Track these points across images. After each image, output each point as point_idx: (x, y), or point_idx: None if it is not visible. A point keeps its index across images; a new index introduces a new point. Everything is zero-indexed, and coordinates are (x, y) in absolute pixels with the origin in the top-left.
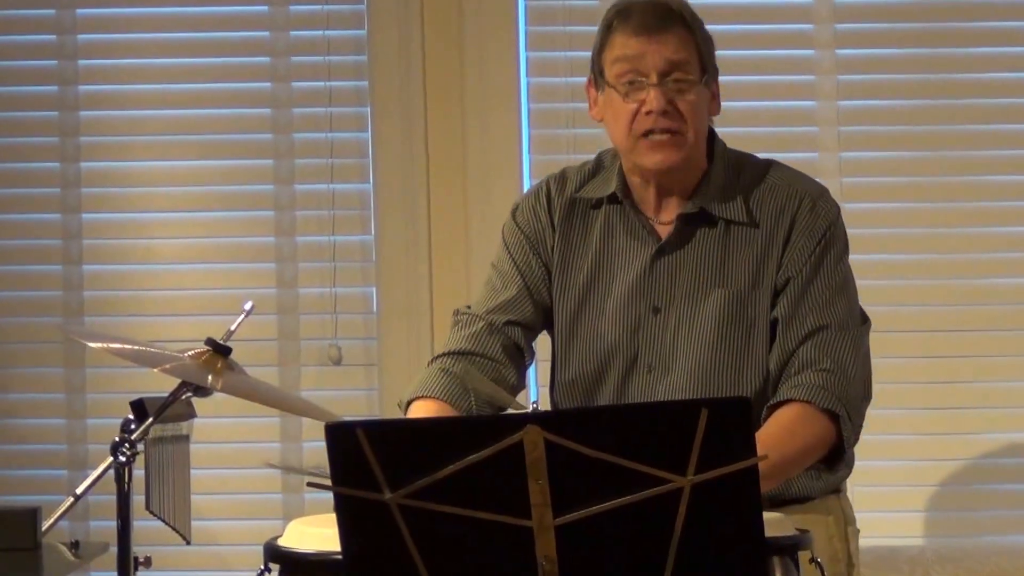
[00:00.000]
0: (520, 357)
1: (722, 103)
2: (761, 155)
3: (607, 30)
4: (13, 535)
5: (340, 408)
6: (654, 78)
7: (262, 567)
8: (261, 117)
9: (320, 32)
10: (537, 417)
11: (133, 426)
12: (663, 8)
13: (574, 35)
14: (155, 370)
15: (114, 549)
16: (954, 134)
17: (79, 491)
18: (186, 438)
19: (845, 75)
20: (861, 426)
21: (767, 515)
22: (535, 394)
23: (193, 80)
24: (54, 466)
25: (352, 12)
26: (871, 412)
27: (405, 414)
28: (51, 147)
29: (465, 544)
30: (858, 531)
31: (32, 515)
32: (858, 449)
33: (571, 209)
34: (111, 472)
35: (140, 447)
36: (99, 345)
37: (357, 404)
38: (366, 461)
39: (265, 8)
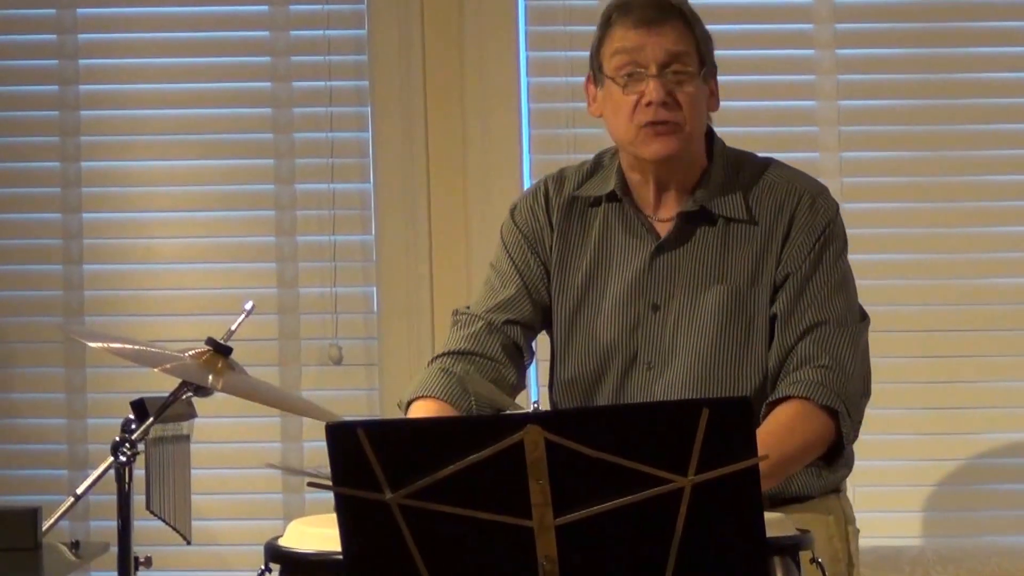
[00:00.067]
0: (519, 357)
1: (723, 103)
2: (761, 155)
3: (606, 24)
4: (13, 535)
5: (341, 408)
6: (653, 69)
7: (262, 567)
8: (261, 117)
9: (320, 32)
10: (538, 417)
11: (134, 426)
12: (662, 2)
13: (574, 35)
14: (156, 370)
15: (114, 549)
16: (954, 134)
17: (79, 491)
18: (187, 438)
19: (845, 75)
20: (860, 423)
21: (768, 515)
22: (536, 394)
23: (193, 80)
24: (54, 466)
25: (352, 12)
26: (872, 412)
27: (405, 414)
28: (51, 147)
29: (466, 544)
30: (858, 531)
31: (32, 515)
32: (859, 449)
33: (569, 208)
34: (111, 472)
35: (141, 447)
36: (99, 345)
37: (358, 404)
38: (367, 461)
39: (265, 8)
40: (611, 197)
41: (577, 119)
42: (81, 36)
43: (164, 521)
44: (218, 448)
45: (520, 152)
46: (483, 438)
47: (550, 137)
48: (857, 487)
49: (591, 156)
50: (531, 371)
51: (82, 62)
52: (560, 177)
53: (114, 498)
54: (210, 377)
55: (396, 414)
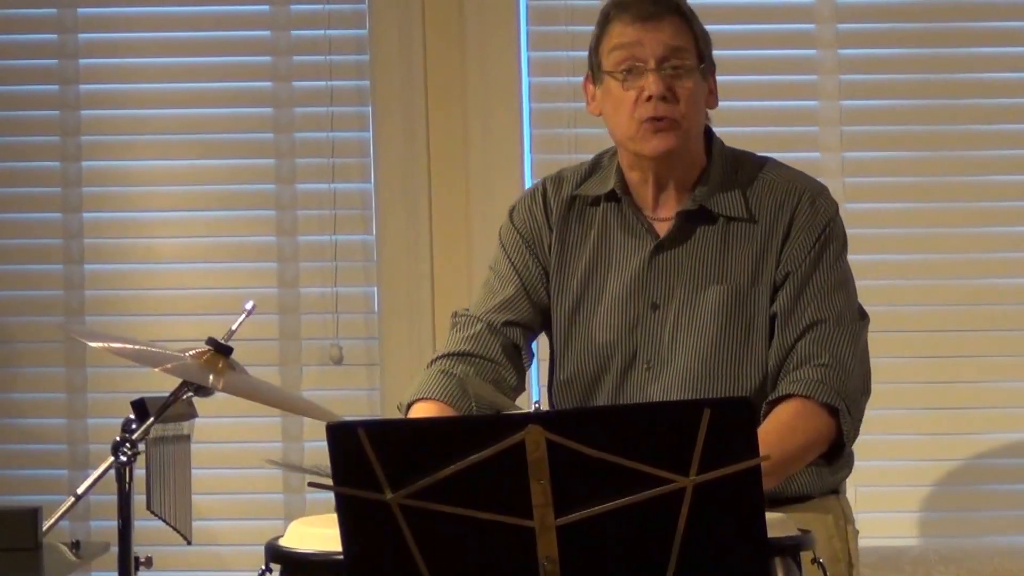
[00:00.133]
0: (519, 358)
1: (725, 103)
2: (761, 155)
3: (604, 21)
4: (14, 535)
5: (341, 408)
6: (652, 64)
7: (263, 567)
8: (262, 116)
9: (321, 31)
10: (539, 417)
11: (134, 426)
12: None
13: (575, 35)
14: (156, 370)
15: (115, 549)
16: (956, 134)
17: (80, 491)
18: (187, 438)
19: (847, 75)
20: (861, 421)
21: (769, 515)
22: (537, 394)
23: (194, 79)
24: (55, 466)
25: (353, 11)
26: (873, 412)
27: (405, 417)
28: (52, 146)
29: (466, 544)
30: (857, 531)
31: (33, 515)
32: (860, 449)
33: (568, 209)
34: (112, 472)
35: (141, 447)
36: (100, 344)
37: (358, 404)
38: (367, 461)
39: (266, 7)
40: (610, 197)
41: (578, 119)
42: (82, 36)
43: (164, 521)
44: (219, 448)
45: (521, 152)
46: (484, 438)
47: (551, 137)
48: (858, 487)
49: (592, 156)
50: (532, 371)
51: (83, 61)
52: (559, 178)
53: (115, 498)
54: (211, 377)
55: (397, 415)
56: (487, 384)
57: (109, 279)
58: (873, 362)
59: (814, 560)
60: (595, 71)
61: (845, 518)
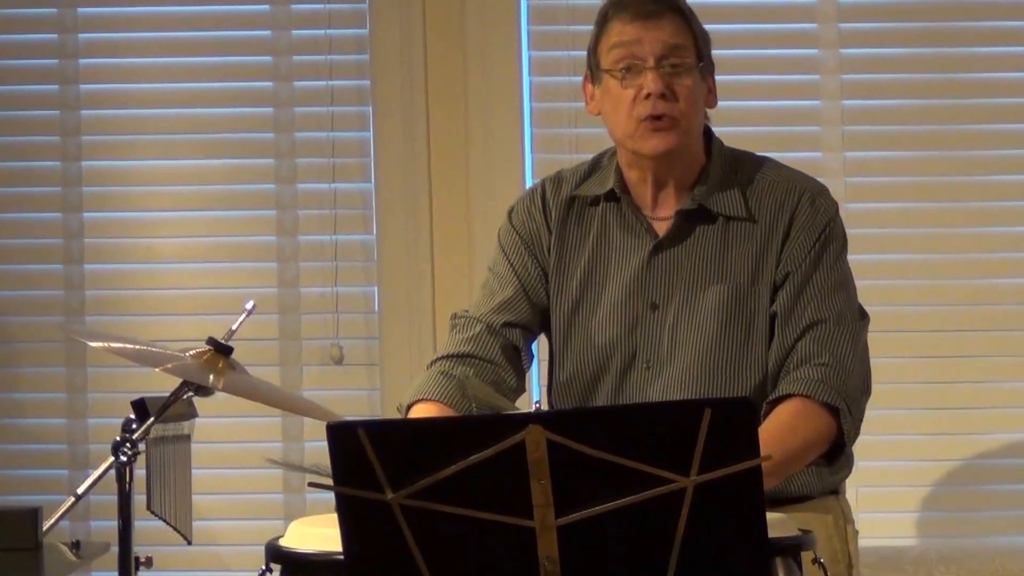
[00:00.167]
0: (519, 359)
1: (727, 102)
2: (762, 155)
3: (603, 20)
4: (14, 535)
5: (342, 408)
6: (651, 62)
7: (263, 567)
8: (263, 116)
9: (322, 31)
10: (539, 417)
11: (134, 426)
12: None
13: (576, 34)
14: (156, 369)
15: (115, 549)
16: (958, 134)
17: (80, 491)
18: (187, 438)
19: (849, 75)
20: (861, 420)
21: (770, 515)
22: (537, 394)
23: (194, 79)
24: (55, 466)
25: (354, 11)
26: (874, 412)
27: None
28: (52, 146)
29: (467, 544)
30: (857, 532)
31: (33, 515)
32: (861, 449)
33: (567, 209)
34: (112, 472)
35: (141, 447)
36: (100, 344)
37: (359, 404)
38: (368, 461)
39: (267, 7)
40: (609, 196)
41: (579, 119)
42: (82, 35)
43: (165, 521)
44: (219, 448)
45: (522, 151)
46: (484, 438)
47: (552, 136)
48: (859, 487)
49: (593, 155)
50: (533, 372)
51: (83, 61)
52: (558, 178)
53: (115, 498)
54: (211, 377)
55: (397, 415)
56: (486, 386)
57: (109, 279)
58: (874, 362)
59: (815, 560)
60: (594, 70)
61: (845, 518)
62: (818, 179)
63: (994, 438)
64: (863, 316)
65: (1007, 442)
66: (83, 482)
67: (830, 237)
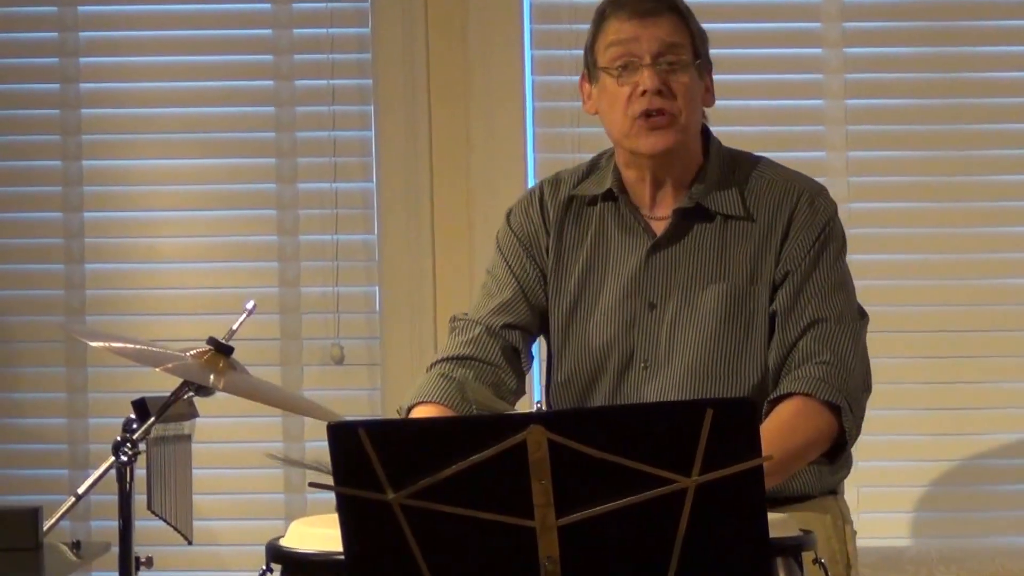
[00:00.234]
0: (518, 361)
1: (731, 102)
2: (768, 154)
3: (600, 19)
4: (14, 535)
5: (342, 408)
6: (647, 59)
7: (264, 567)
8: (264, 115)
9: (324, 30)
10: (540, 417)
11: (135, 425)
12: None
13: (579, 33)
14: (157, 369)
15: (115, 549)
16: (962, 133)
17: (80, 491)
18: (188, 438)
19: (853, 74)
20: (862, 418)
21: (771, 515)
22: (539, 394)
23: (196, 78)
24: (55, 466)
25: (356, 10)
26: (876, 413)
27: None
28: (53, 145)
29: (467, 544)
30: (855, 532)
31: (33, 515)
32: (862, 449)
33: (565, 210)
34: (113, 472)
35: (142, 447)
36: (101, 344)
37: (359, 404)
38: (368, 461)
39: (268, 5)
40: (607, 196)
41: (582, 118)
42: (82, 34)
43: (165, 521)
44: (219, 448)
45: (524, 151)
46: (485, 438)
47: (554, 136)
48: (860, 487)
49: (596, 155)
50: (534, 373)
51: (83, 60)
52: (556, 180)
53: (115, 498)
54: (211, 377)
55: (397, 417)
56: (486, 388)
57: (110, 278)
58: (875, 362)
59: (815, 560)
60: (591, 69)
61: (843, 518)
62: (821, 179)
63: (995, 439)
64: (863, 316)
65: (1008, 442)
66: (83, 482)
67: (829, 237)
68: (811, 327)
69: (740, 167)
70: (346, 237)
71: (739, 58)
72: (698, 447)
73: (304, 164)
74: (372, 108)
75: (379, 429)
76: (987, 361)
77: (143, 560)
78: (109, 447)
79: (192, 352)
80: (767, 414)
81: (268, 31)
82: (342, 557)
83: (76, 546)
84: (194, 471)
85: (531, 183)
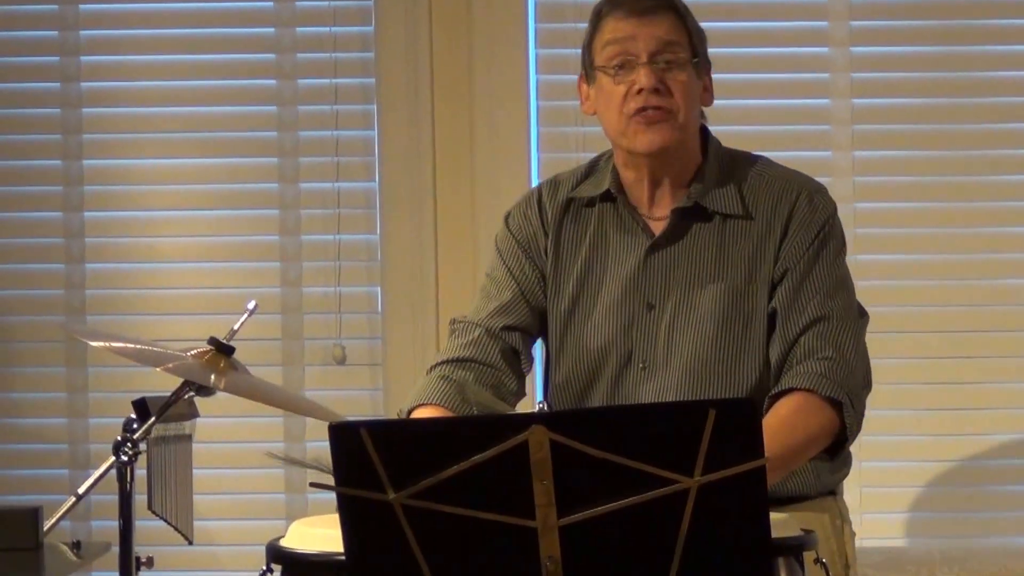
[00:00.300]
0: (518, 363)
1: (736, 101)
2: (774, 153)
3: (597, 19)
4: (14, 535)
5: (344, 408)
6: (644, 57)
7: (264, 568)
8: (266, 114)
9: (326, 29)
10: (542, 417)
11: (135, 425)
12: None
13: (584, 32)
14: (158, 369)
15: (116, 549)
16: (969, 133)
17: (81, 491)
18: (188, 438)
19: (859, 73)
20: (863, 415)
21: (772, 515)
22: (540, 394)
23: (197, 77)
24: (56, 465)
25: (359, 8)
26: (878, 413)
27: None
28: (53, 144)
29: (469, 544)
30: (854, 532)
31: (33, 515)
32: (864, 450)
33: (564, 212)
34: (113, 472)
35: (142, 447)
36: (101, 344)
37: (361, 404)
38: (370, 461)
39: (271, 4)
40: (605, 197)
41: (586, 117)
42: (83, 32)
43: (166, 521)
44: (220, 448)
45: (528, 150)
46: (487, 438)
47: (559, 135)
48: (862, 488)
49: (595, 156)
50: (536, 374)
51: (84, 59)
52: (554, 182)
53: (115, 498)
54: (212, 377)
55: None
56: (486, 390)
57: (110, 278)
58: (878, 362)
59: (817, 560)
60: (588, 69)
61: (842, 518)
62: (827, 178)
63: (997, 439)
64: (863, 314)
65: (1010, 443)
66: (84, 482)
67: (829, 235)
68: (813, 324)
69: (739, 166)
70: (348, 237)
71: (745, 57)
72: (700, 447)
73: (306, 163)
74: (375, 107)
75: (380, 429)
76: (989, 361)
77: (143, 560)
78: (109, 447)
79: (193, 352)
80: (768, 409)
81: (270, 29)
82: (343, 557)
83: (76, 546)
84: (195, 471)
85: (535, 183)
